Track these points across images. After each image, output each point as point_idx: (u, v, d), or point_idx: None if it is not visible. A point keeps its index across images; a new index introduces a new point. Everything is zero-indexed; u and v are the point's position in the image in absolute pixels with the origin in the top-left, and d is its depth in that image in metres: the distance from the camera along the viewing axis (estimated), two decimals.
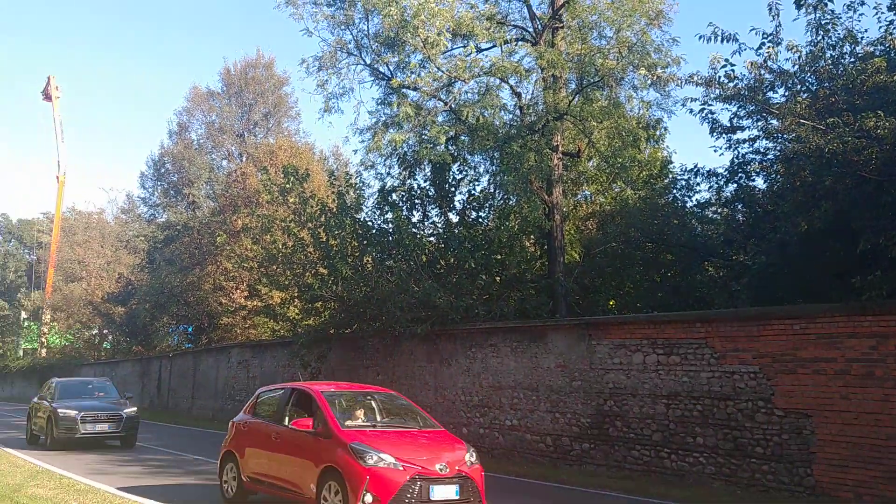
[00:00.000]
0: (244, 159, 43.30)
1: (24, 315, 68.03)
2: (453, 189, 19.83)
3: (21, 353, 64.85)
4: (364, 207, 21.14)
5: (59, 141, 65.57)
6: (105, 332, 49.81)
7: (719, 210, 18.57)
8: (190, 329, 38.73)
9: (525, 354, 15.60)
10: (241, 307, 32.75)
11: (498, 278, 18.35)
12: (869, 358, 10.35)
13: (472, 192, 19.37)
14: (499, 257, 18.46)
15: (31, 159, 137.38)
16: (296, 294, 21.36)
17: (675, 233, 18.37)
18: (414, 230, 19.14)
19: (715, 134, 15.20)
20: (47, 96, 66.03)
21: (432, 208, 19.92)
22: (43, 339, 59.93)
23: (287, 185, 21.59)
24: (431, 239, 20.06)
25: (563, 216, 18.21)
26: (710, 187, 18.11)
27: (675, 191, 20.63)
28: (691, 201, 19.45)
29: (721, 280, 17.29)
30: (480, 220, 19.50)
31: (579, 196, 22.87)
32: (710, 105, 14.22)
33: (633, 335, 13.58)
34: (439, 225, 19.85)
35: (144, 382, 37.85)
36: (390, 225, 19.25)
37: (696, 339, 12.50)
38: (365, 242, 19.87)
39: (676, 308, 16.10)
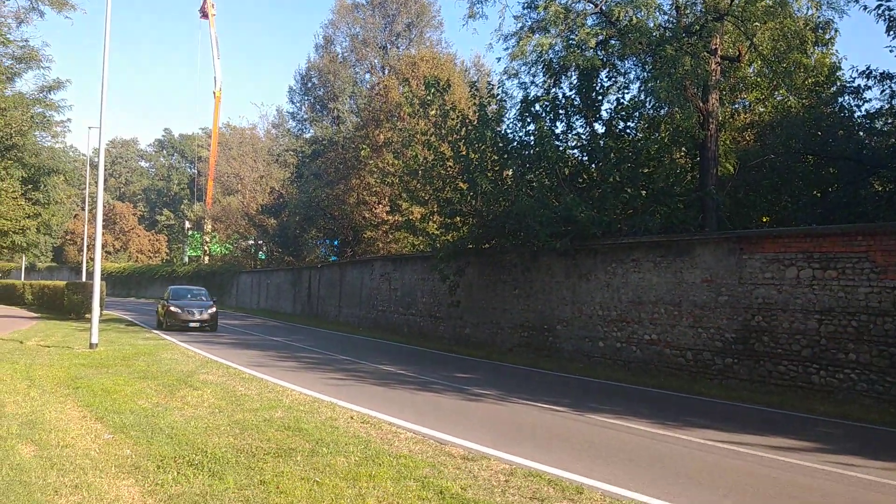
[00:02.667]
0: (386, 72, 43.96)
1: (187, 224, 74.05)
2: (600, 98, 19.13)
3: (186, 259, 70.91)
4: (505, 119, 21.08)
5: (216, 57, 69.25)
6: (260, 242, 53.31)
7: (891, 120, 17.06)
8: (336, 242, 40.70)
9: (669, 269, 15.37)
10: (382, 222, 33.97)
11: (644, 192, 17.81)
12: None
13: (621, 100, 18.60)
14: (646, 170, 17.88)
15: (190, 77, 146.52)
16: (435, 209, 21.83)
17: (840, 145, 17.14)
18: (557, 142, 18.87)
19: (892, 33, 13.86)
20: (204, 14, 69.51)
21: (577, 119, 19.45)
22: (205, 248, 65.20)
23: (428, 98, 21.84)
24: (575, 151, 19.76)
25: (718, 125, 17.31)
26: (882, 92, 16.60)
27: (842, 99, 19.07)
28: (860, 111, 17.97)
29: (888, 195, 16.07)
30: (628, 130, 18.81)
31: (737, 104, 21.57)
32: (889, 0, 12.93)
33: (788, 249, 13.04)
34: (584, 136, 19.38)
35: (296, 290, 40.49)
36: (532, 137, 19.10)
37: (856, 253, 11.86)
38: (505, 156, 19.90)
39: (839, 224, 15.19)
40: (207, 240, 65.03)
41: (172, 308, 24.60)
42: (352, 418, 9.31)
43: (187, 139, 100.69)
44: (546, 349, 18.58)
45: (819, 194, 18.25)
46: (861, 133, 17.72)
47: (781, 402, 12.06)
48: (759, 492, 6.54)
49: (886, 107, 16.79)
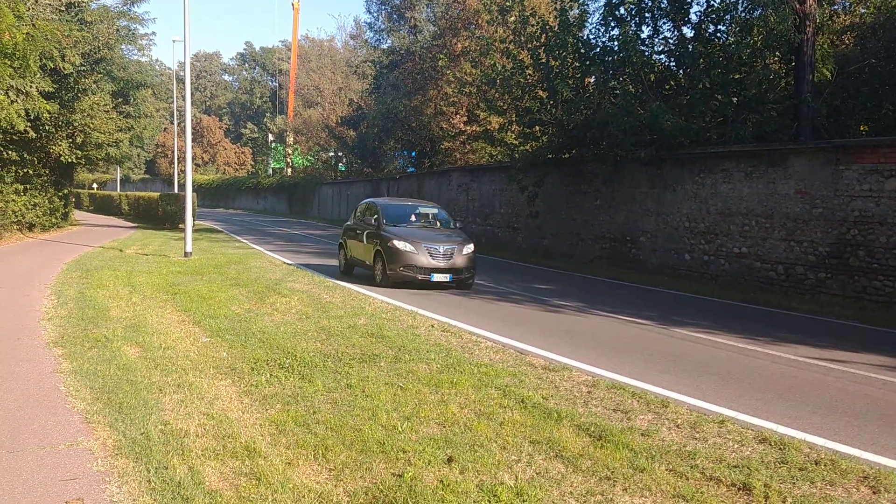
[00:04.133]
0: None
1: (270, 137, 75.53)
2: None
3: (270, 171, 72.71)
4: (588, 24, 20.23)
5: None
6: (339, 154, 53.92)
7: None
8: (413, 153, 40.71)
9: (761, 180, 14.73)
10: (460, 132, 33.65)
11: (735, 99, 16.89)
12: None
13: (711, 2, 17.43)
14: (737, 76, 16.87)
15: None
16: (514, 118, 21.41)
17: None
18: (642, 47, 17.94)
19: None
20: None
21: (664, 22, 18.38)
22: (288, 160, 66.54)
23: (507, 4, 21.10)
24: (661, 57, 18.82)
25: (815, 28, 16.10)
26: None
27: None
28: None
29: None
30: (719, 34, 17.66)
31: (836, 6, 19.94)
32: None
33: (889, 159, 12.26)
34: (671, 41, 18.34)
35: None
36: (616, 42, 18.24)
37: None
38: (587, 62, 19.19)
39: None
40: (290, 152, 66.22)
41: (398, 245, 13.32)
42: (432, 326, 9.50)
43: (268, 52, 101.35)
44: (628, 261, 18.34)
45: None
46: None
47: (876, 318, 11.63)
48: (849, 409, 6.38)
49: None
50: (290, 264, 17.18)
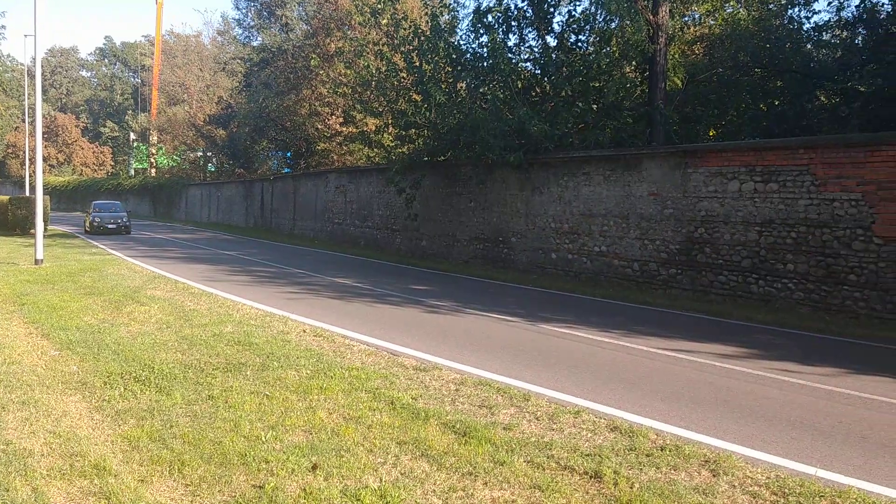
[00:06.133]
0: None
1: (132, 136, 71.76)
2: (552, 10, 18.77)
3: (132, 172, 69.05)
4: (458, 30, 20.68)
5: None
6: (209, 154, 52.09)
7: (838, 33, 17.15)
8: (288, 154, 39.95)
9: (618, 183, 15.55)
10: (336, 133, 33.37)
11: (595, 106, 17.80)
12: None
13: (573, 12, 18.30)
14: (597, 84, 17.82)
15: None
16: (389, 120, 21.49)
17: (787, 57, 17.22)
18: (510, 55, 18.59)
19: None
20: None
21: (529, 31, 19.11)
22: (152, 160, 63.42)
23: (379, 6, 21.16)
24: (528, 65, 19.52)
25: (668, 39, 17.20)
26: (829, 4, 16.65)
27: (791, 11, 19.03)
28: (808, 23, 18.00)
29: (832, 107, 16.33)
30: (579, 44, 18.63)
31: (687, 17, 21.40)
32: None
33: (732, 163, 13.27)
34: (536, 50, 19.10)
35: (248, 203, 39.94)
36: (485, 49, 18.76)
37: (797, 166, 12.13)
38: (459, 68, 19.57)
39: (781, 137, 15.47)
40: (154, 152, 63.23)
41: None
42: (304, 332, 9.40)
43: (130, 47, 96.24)
44: (501, 261, 18.85)
45: (765, 108, 18.43)
46: (809, 45, 17.81)
47: (722, 311, 12.53)
48: (694, 396, 6.88)
49: (834, 18, 16.87)
50: (152, 270, 16.45)
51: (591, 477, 4.70)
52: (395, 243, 23.76)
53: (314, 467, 4.71)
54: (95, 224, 31.66)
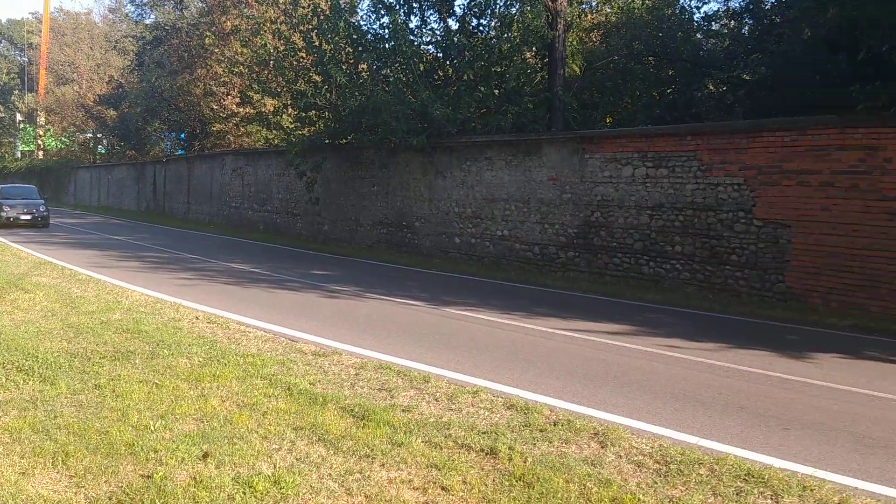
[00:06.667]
0: None
1: (19, 117, 67.39)
2: None
3: (18, 154, 64.92)
4: (359, 10, 20.37)
5: None
6: (99, 136, 49.57)
7: (727, 23, 18.00)
8: (182, 135, 38.50)
9: (519, 168, 15.81)
10: (232, 114, 32.38)
11: (496, 91, 17.98)
12: (855, 170, 10.60)
13: None
14: (498, 69, 17.97)
15: None
16: (288, 101, 21.03)
17: (679, 46, 17.93)
18: (412, 37, 18.48)
19: None
20: None
21: (431, 14, 19.06)
22: (39, 142, 59.82)
23: None
24: (430, 48, 19.48)
25: (566, 25, 17.56)
26: None
27: (683, 0, 19.80)
28: (699, 13, 18.82)
29: (719, 96, 17.16)
30: (481, 28, 18.71)
31: (584, 5, 21.89)
32: None
33: (625, 149, 13.73)
34: (438, 32, 19.07)
35: (140, 186, 38.29)
36: (387, 31, 18.59)
37: (685, 152, 12.69)
38: (360, 49, 19.30)
39: (671, 125, 16.12)
40: (41, 133, 59.59)
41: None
42: (197, 318, 9.12)
43: (16, 25, 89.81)
44: (405, 245, 18.85)
45: (658, 96, 19.17)
46: (699, 35, 18.61)
47: (616, 291, 13.00)
48: (587, 373, 7.11)
49: (723, 9, 17.68)
50: (38, 256, 15.55)
51: (486, 454, 4.79)
52: (295, 228, 23.35)
53: (205, 455, 4.59)
54: (3, 216, 24.68)
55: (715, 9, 17.84)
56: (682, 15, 19.20)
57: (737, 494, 4.25)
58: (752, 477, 4.47)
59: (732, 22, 17.50)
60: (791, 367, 7.57)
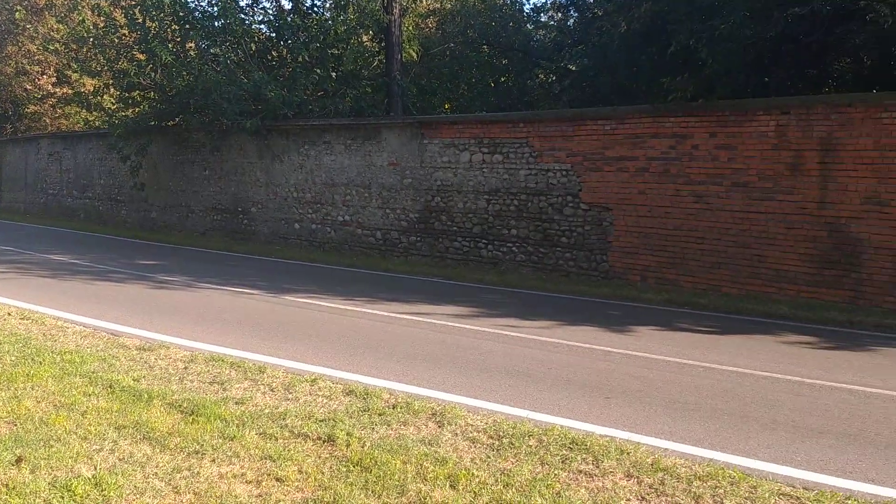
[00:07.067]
0: None
1: None
2: None
3: None
4: None
5: None
6: None
7: (554, 15, 18.83)
8: None
9: (359, 152, 15.72)
10: (48, 94, 29.92)
11: (334, 74, 17.75)
12: (667, 157, 11.49)
13: None
14: (335, 51, 17.73)
15: None
16: (110, 81, 19.67)
17: (511, 36, 18.54)
18: (242, 16, 17.80)
19: None
20: None
21: None
22: None
23: None
24: (262, 27, 18.87)
25: (402, 10, 17.61)
26: None
27: None
28: (529, 4, 19.56)
29: (548, 85, 17.94)
30: (316, 9, 18.38)
31: None
32: None
33: (463, 135, 14.04)
34: (271, 12, 18.53)
35: None
36: (215, 8, 17.78)
37: (518, 139, 13.18)
38: (188, 26, 18.33)
39: (506, 112, 16.65)
40: None
41: None
42: (9, 315, 8.33)
43: None
44: (241, 232, 18.21)
45: (493, 84, 19.75)
46: (529, 25, 19.34)
47: (456, 274, 13.31)
48: (428, 355, 7.22)
49: (550, 1, 18.46)
50: None
51: (324, 441, 4.74)
52: (120, 215, 21.92)
53: (19, 460, 4.22)
54: None
55: (543, 0, 18.58)
56: (513, 5, 19.88)
57: (562, 462, 4.49)
58: (576, 444, 4.74)
59: (560, 14, 18.34)
60: (613, 341, 8.10)
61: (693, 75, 11.06)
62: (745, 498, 4.06)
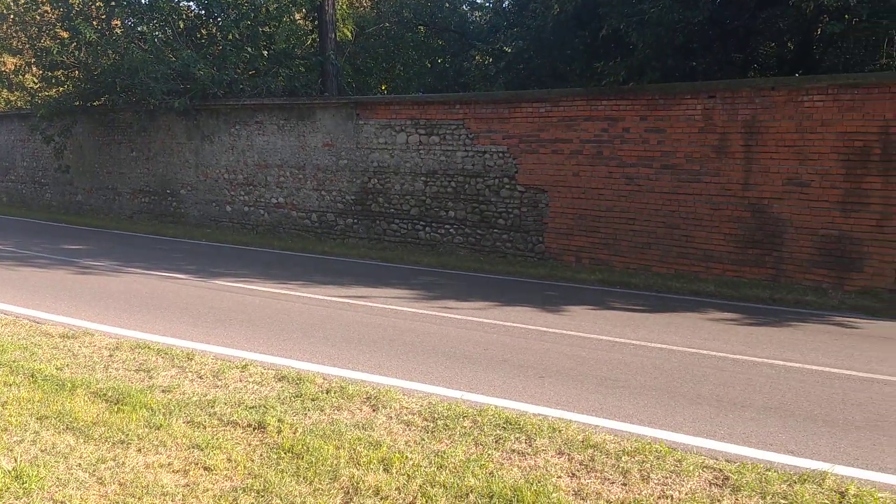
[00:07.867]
0: None
1: None
2: None
3: None
4: None
5: None
6: None
7: None
8: None
9: (293, 133, 15.43)
10: None
11: (266, 52, 17.32)
12: (600, 139, 11.64)
13: None
14: (267, 29, 17.28)
15: None
16: (32, 60, 18.84)
17: (447, 17, 18.44)
18: None
19: None
20: None
21: None
22: None
23: None
24: (191, 4, 18.28)
25: None
26: None
27: None
28: None
29: (484, 67, 17.95)
30: None
31: None
32: None
33: (399, 115, 13.91)
34: None
35: None
36: None
37: (454, 121, 13.14)
38: (112, 3, 17.61)
39: (442, 93, 16.59)
40: None
41: None
42: None
43: None
44: (170, 215, 17.70)
45: (430, 64, 19.64)
46: (465, 7, 19.29)
47: (394, 256, 13.23)
48: (363, 339, 7.18)
49: None
50: None
51: (254, 428, 4.66)
52: (44, 198, 21.04)
53: None
54: None
55: None
56: None
57: (496, 442, 4.53)
58: (510, 424, 4.79)
59: None
60: (548, 321, 8.21)
61: (624, 60, 11.20)
62: (671, 472, 4.17)
